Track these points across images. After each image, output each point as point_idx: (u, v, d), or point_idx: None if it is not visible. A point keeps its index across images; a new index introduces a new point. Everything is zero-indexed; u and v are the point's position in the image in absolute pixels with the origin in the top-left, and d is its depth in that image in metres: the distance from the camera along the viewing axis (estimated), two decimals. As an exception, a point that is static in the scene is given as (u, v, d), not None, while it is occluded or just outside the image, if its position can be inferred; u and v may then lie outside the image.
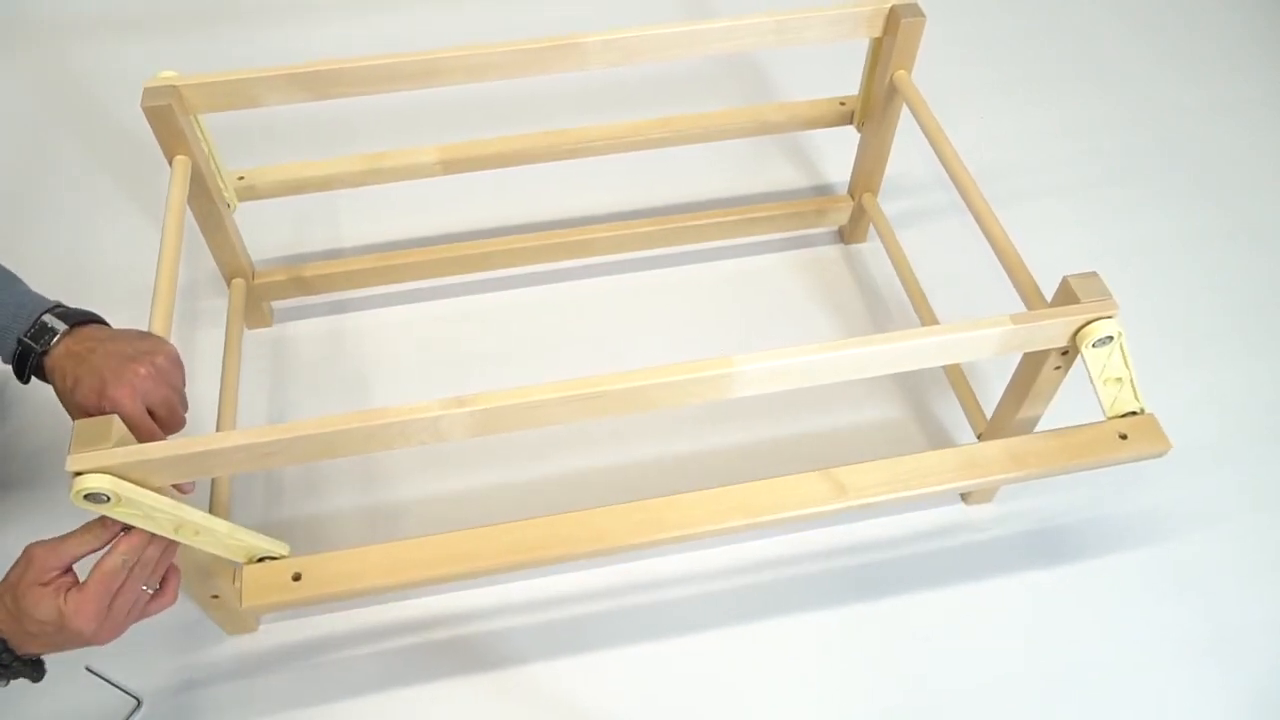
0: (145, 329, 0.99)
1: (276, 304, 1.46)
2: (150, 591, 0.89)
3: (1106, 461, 1.06)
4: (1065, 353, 0.99)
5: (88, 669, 1.12)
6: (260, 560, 0.99)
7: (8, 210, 1.60)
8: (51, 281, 1.11)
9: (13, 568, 0.84)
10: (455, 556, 1.00)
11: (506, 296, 1.47)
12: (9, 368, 0.98)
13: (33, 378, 0.98)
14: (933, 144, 1.20)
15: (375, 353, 1.41)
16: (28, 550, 0.84)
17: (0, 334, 0.97)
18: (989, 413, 1.20)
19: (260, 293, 1.38)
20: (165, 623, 1.15)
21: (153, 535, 0.86)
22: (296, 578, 0.99)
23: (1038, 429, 1.13)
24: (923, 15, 1.22)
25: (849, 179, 1.50)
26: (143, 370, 0.92)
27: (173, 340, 0.99)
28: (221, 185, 1.25)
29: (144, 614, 0.90)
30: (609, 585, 1.20)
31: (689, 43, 1.21)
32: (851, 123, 1.41)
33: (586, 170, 1.48)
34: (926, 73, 1.31)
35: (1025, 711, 1.11)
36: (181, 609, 1.15)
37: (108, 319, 1.03)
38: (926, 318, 1.33)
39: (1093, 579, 1.20)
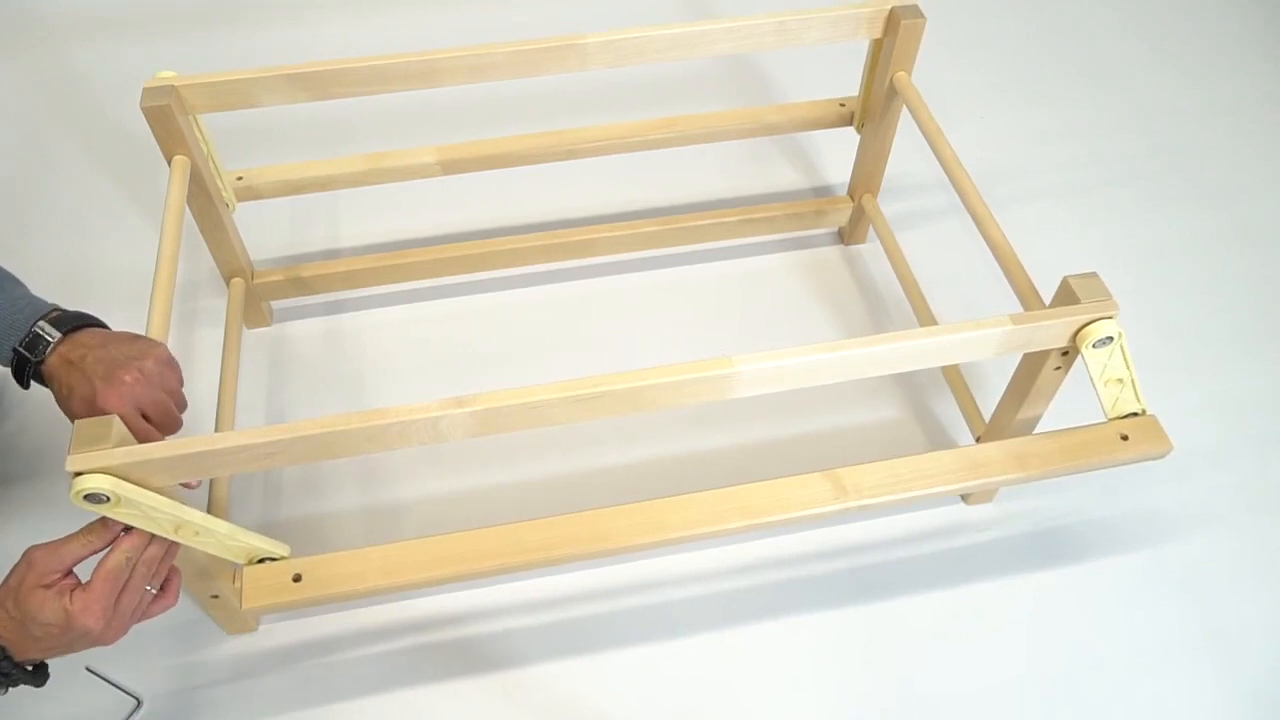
0: (144, 329, 0.99)
1: (276, 304, 1.46)
2: (153, 592, 0.89)
3: (1108, 462, 1.06)
4: (1065, 353, 0.99)
5: (88, 669, 1.12)
6: (260, 561, 0.99)
7: (8, 210, 1.60)
8: (51, 281, 1.11)
9: (12, 572, 0.84)
10: (455, 558, 1.00)
11: (506, 296, 1.47)
12: (7, 368, 0.99)
13: (33, 383, 0.99)
14: (932, 145, 1.20)
15: (374, 353, 1.41)
16: (28, 553, 0.83)
17: None
18: (988, 413, 1.20)
19: (259, 292, 1.38)
20: (165, 623, 1.14)
21: (153, 535, 0.86)
22: (297, 579, 0.99)
23: (1037, 430, 1.13)
24: (923, 17, 1.22)
25: (849, 180, 1.50)
26: (129, 377, 0.92)
27: (171, 340, 0.99)
28: (220, 185, 1.25)
29: (146, 615, 0.90)
30: (610, 585, 1.20)
31: (689, 43, 1.21)
32: (851, 124, 1.41)
33: (586, 170, 1.48)
34: (926, 74, 1.31)
35: (1025, 711, 1.11)
36: (181, 609, 1.15)
37: (107, 319, 1.03)
38: (926, 319, 1.33)
39: (1092, 579, 1.20)
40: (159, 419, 0.95)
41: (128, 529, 0.85)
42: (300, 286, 1.39)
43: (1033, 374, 1.04)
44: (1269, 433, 1.33)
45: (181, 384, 0.99)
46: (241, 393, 1.34)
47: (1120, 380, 1.02)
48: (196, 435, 0.86)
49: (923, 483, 1.05)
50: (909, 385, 1.37)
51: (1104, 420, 1.07)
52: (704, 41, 1.21)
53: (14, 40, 1.90)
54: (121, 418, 0.88)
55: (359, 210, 1.58)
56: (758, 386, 0.93)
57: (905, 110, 1.29)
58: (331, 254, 1.53)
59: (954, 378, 1.29)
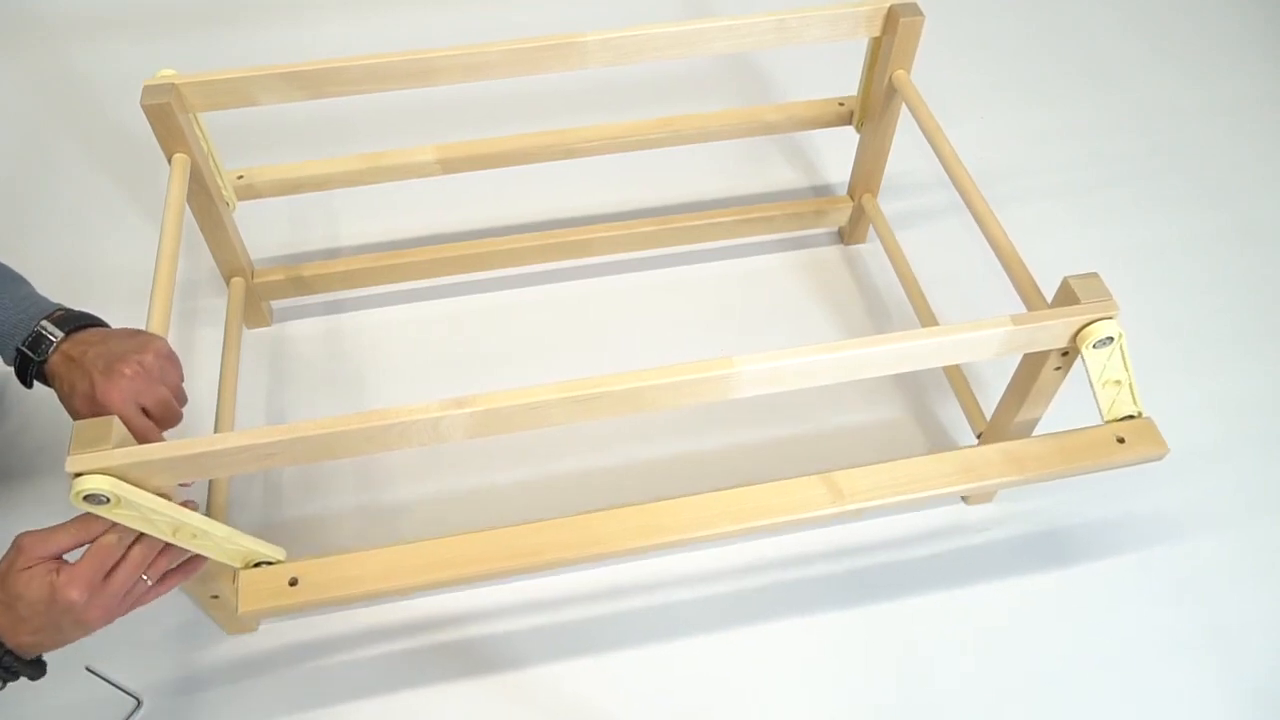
0: (144, 328, 0.99)
1: (275, 303, 1.46)
2: (149, 583, 0.89)
3: (1104, 465, 1.06)
4: (1066, 354, 0.99)
5: (88, 669, 1.12)
6: (257, 565, 0.99)
7: (8, 210, 1.60)
8: (51, 281, 1.11)
9: (2, 558, 0.84)
10: (451, 562, 1.00)
11: (506, 296, 1.47)
12: (7, 368, 0.99)
13: (35, 383, 0.99)
14: (932, 144, 1.20)
15: (374, 352, 1.41)
16: (17, 539, 0.83)
17: (0, 342, 0.98)
18: (989, 413, 1.20)
19: (259, 292, 1.38)
20: (165, 623, 1.15)
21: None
22: (293, 583, 0.98)
23: (1037, 430, 1.13)
24: (921, 15, 1.22)
25: (848, 179, 1.50)
26: (129, 371, 0.92)
27: (171, 339, 0.99)
28: (220, 184, 1.25)
29: (142, 600, 0.89)
30: (610, 586, 1.20)
31: (688, 42, 1.21)
32: (851, 123, 1.41)
33: (586, 170, 1.48)
34: (926, 73, 1.31)
35: (1026, 711, 1.11)
36: (182, 609, 1.16)
37: (107, 318, 1.03)
38: (926, 318, 1.33)
39: (1093, 579, 1.20)
40: (159, 413, 0.95)
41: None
42: (300, 286, 1.39)
43: (1033, 374, 1.04)
44: (1269, 433, 1.33)
45: (181, 378, 0.99)
46: (241, 392, 1.33)
47: (1118, 382, 1.02)
48: (196, 435, 0.86)
49: (918, 486, 1.05)
50: (910, 385, 1.37)
51: (1101, 423, 1.07)
52: (703, 40, 1.21)
53: (14, 40, 1.90)
54: (121, 412, 0.89)
55: (358, 209, 1.58)
56: (758, 387, 0.93)
57: (905, 109, 1.29)
58: (331, 253, 1.53)
59: (955, 377, 1.29)
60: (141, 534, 0.86)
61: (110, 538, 0.84)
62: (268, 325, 1.44)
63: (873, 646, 1.15)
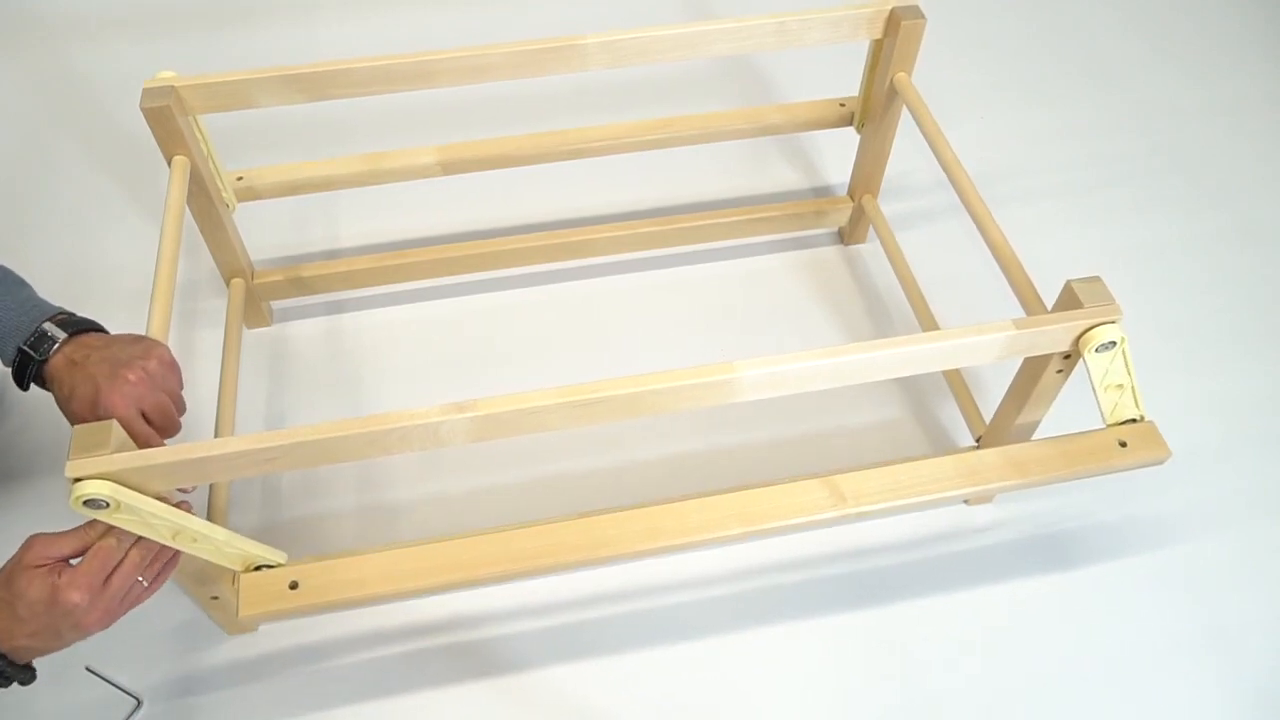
0: (144, 329, 0.99)
1: (275, 304, 1.46)
2: (145, 583, 0.89)
3: (1107, 469, 1.06)
4: (1067, 357, 0.99)
5: (88, 669, 1.12)
6: (257, 569, 0.99)
7: (8, 210, 1.60)
8: (51, 282, 1.11)
9: (10, 557, 0.84)
10: (452, 565, 1.00)
11: (506, 297, 1.47)
12: (9, 369, 0.99)
13: (32, 385, 0.99)
14: (932, 147, 1.20)
15: (374, 353, 1.41)
16: (29, 540, 0.84)
17: (0, 341, 0.98)
18: (988, 416, 1.20)
19: (259, 293, 1.38)
20: (165, 623, 1.15)
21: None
22: (293, 586, 0.98)
23: (1037, 434, 1.13)
24: (923, 17, 1.21)
25: (849, 180, 1.50)
26: (133, 376, 0.92)
27: (171, 340, 0.99)
28: (220, 185, 1.25)
29: (137, 601, 0.89)
30: (613, 588, 1.20)
31: (689, 44, 1.20)
32: (851, 124, 1.41)
33: (586, 170, 1.48)
34: (926, 73, 1.30)
35: (1028, 711, 1.11)
36: (182, 610, 1.16)
37: (107, 319, 1.03)
38: (926, 319, 1.33)
39: (1094, 579, 1.20)
40: (159, 420, 0.95)
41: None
42: (300, 286, 1.39)
43: (1034, 377, 1.04)
44: (1269, 433, 1.33)
45: (181, 386, 0.99)
46: (241, 393, 1.33)
47: (1120, 386, 1.02)
48: (196, 435, 0.86)
49: (921, 489, 1.05)
50: (911, 388, 1.37)
51: (1103, 427, 1.07)
52: (704, 42, 1.21)
53: (14, 40, 1.90)
54: (122, 417, 0.89)
55: (359, 210, 1.58)
56: (759, 392, 0.93)
57: (905, 110, 1.29)
58: (331, 254, 1.53)
59: (955, 381, 1.29)
60: (140, 536, 0.86)
61: (110, 541, 0.84)
62: (268, 326, 1.44)
63: (875, 648, 1.15)
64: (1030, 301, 1.04)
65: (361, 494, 1.27)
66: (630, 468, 1.29)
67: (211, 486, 1.14)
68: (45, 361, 0.96)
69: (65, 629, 0.84)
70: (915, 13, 1.22)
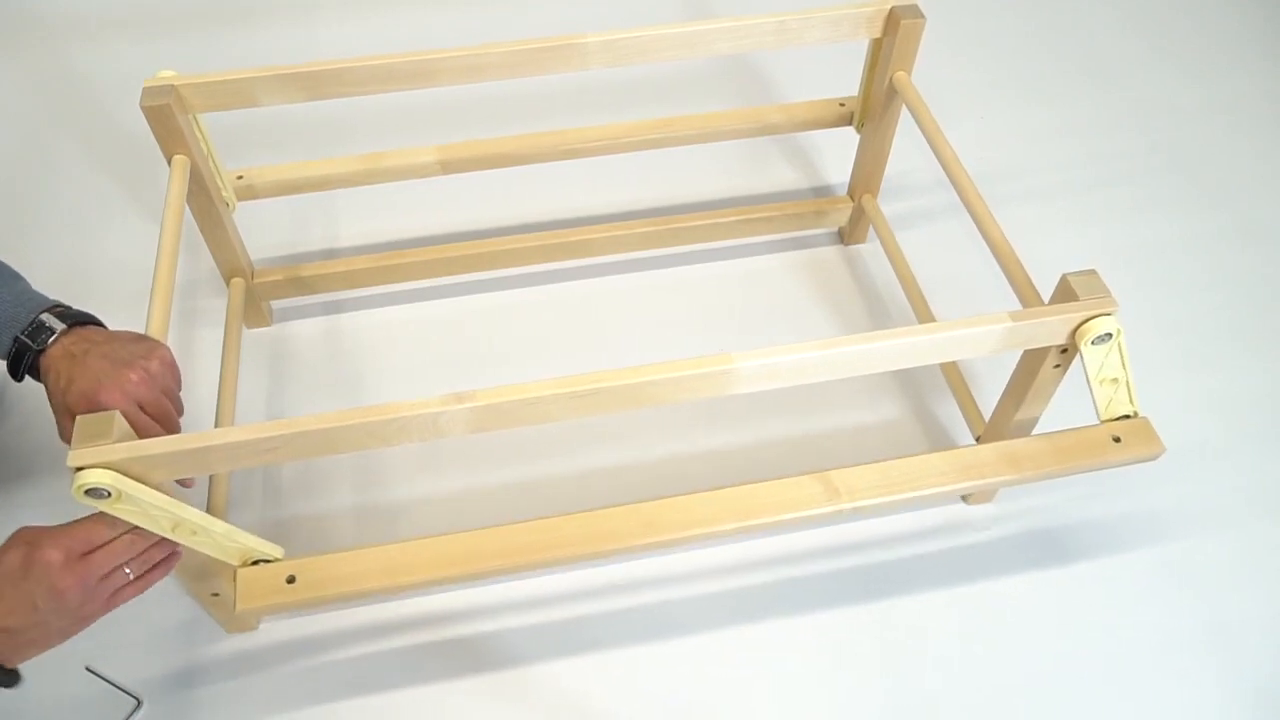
0: (144, 328, 0.99)
1: (275, 303, 1.46)
2: (131, 575, 0.87)
3: (1100, 465, 1.06)
4: (1064, 351, 0.99)
5: (87, 669, 1.12)
6: (255, 563, 0.99)
7: (8, 210, 1.60)
8: (51, 281, 1.11)
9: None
10: (449, 559, 1.00)
11: (505, 296, 1.48)
12: (5, 367, 0.99)
13: (26, 377, 0.98)
14: (932, 146, 1.20)
15: (374, 352, 1.41)
16: (18, 530, 0.84)
17: None
18: (988, 413, 1.20)
19: (259, 292, 1.38)
20: (165, 622, 1.15)
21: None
22: (291, 580, 0.98)
23: (1036, 431, 1.13)
24: (922, 16, 1.22)
25: (849, 180, 1.50)
26: (134, 375, 0.92)
27: (171, 339, 0.99)
28: (220, 185, 1.25)
29: (124, 594, 0.88)
30: (610, 583, 1.20)
31: (689, 43, 1.21)
32: (851, 124, 1.41)
33: (586, 170, 1.49)
34: (926, 73, 1.31)
35: (1027, 709, 1.11)
36: (182, 609, 1.16)
37: (107, 318, 1.03)
38: (925, 319, 1.33)
39: (1092, 577, 1.20)
40: (159, 420, 0.95)
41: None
42: (300, 286, 1.39)
43: (1032, 372, 1.04)
44: (1268, 431, 1.33)
45: (180, 388, 0.99)
46: (241, 392, 1.34)
47: (1115, 380, 1.02)
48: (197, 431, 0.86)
49: (915, 485, 1.05)
50: (910, 385, 1.37)
51: (1097, 423, 1.07)
52: (704, 41, 1.21)
53: (14, 40, 1.90)
54: (123, 413, 0.88)
55: (359, 210, 1.58)
56: (757, 383, 0.93)
57: (905, 109, 1.29)
58: (331, 254, 1.53)
59: (954, 377, 1.29)
60: (134, 526, 0.86)
61: (101, 523, 0.84)
62: (268, 325, 1.44)
63: (873, 643, 1.15)
64: (1030, 300, 1.05)
65: (361, 492, 1.27)
66: (629, 466, 1.29)
67: (211, 480, 1.14)
68: (42, 351, 0.96)
69: (41, 598, 0.81)
70: (914, 12, 1.22)
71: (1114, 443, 1.06)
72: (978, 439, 1.22)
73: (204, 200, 1.22)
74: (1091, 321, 0.94)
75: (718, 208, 1.51)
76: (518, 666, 1.14)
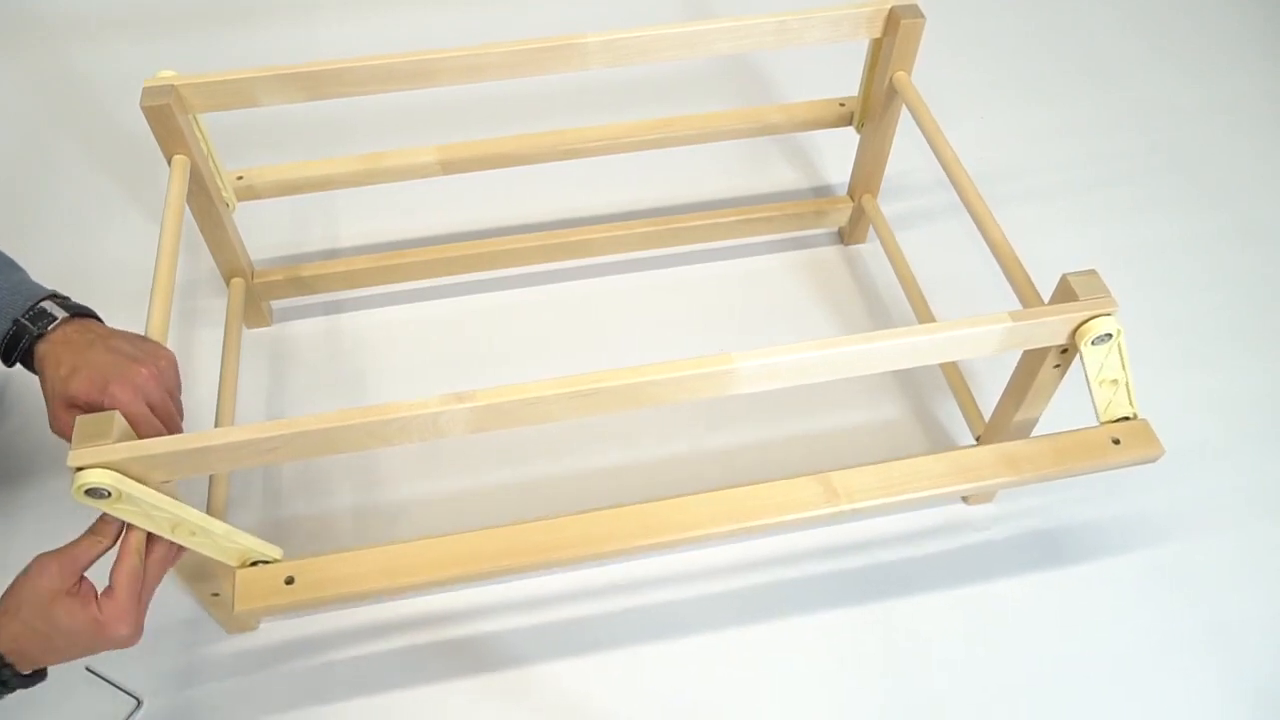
0: (144, 328, 0.99)
1: (275, 303, 1.46)
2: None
3: (1099, 466, 1.06)
4: (1064, 351, 0.99)
5: (88, 669, 1.12)
6: (254, 564, 0.99)
7: (8, 210, 1.60)
8: (51, 281, 1.10)
9: (22, 581, 0.82)
10: (448, 561, 0.99)
11: (506, 297, 1.48)
12: (7, 370, 0.98)
13: (18, 365, 0.97)
14: (932, 146, 1.20)
15: (374, 353, 1.41)
16: (39, 560, 0.83)
17: None
18: (988, 415, 1.20)
19: (259, 292, 1.38)
20: (165, 623, 1.15)
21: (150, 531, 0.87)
22: (289, 581, 0.98)
23: (1037, 432, 1.13)
24: (922, 16, 1.22)
25: (849, 180, 1.50)
26: (145, 371, 0.92)
27: (171, 340, 0.99)
28: (220, 185, 1.25)
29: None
30: (611, 583, 1.20)
31: (689, 43, 1.21)
32: (851, 124, 1.41)
33: (586, 170, 1.48)
34: (926, 72, 1.31)
35: (1026, 709, 1.11)
36: (182, 609, 1.16)
37: (107, 319, 1.02)
38: (926, 319, 1.33)
39: (1093, 577, 1.20)
40: (165, 421, 0.95)
41: (127, 529, 0.85)
42: (300, 286, 1.39)
43: (1031, 372, 1.04)
44: (1268, 431, 1.33)
45: (180, 391, 0.99)
46: (241, 392, 1.34)
47: (1115, 382, 1.02)
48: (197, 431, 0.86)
49: (913, 486, 1.05)
50: (910, 385, 1.37)
51: (1096, 424, 1.07)
52: (704, 41, 1.21)
53: (14, 40, 1.90)
54: (130, 410, 0.88)
55: (359, 210, 1.58)
56: (757, 383, 0.93)
57: (905, 109, 1.29)
58: (331, 254, 1.53)
59: (954, 378, 1.29)
60: (152, 543, 0.87)
61: (133, 560, 0.84)
62: (268, 325, 1.44)
63: (875, 644, 1.15)
64: (1029, 298, 1.05)
65: (361, 493, 1.27)
66: (629, 468, 1.29)
67: (211, 480, 1.14)
68: (41, 337, 0.95)
69: (103, 649, 0.85)
70: (914, 11, 1.22)
71: (1113, 444, 1.06)
72: (978, 439, 1.22)
73: (204, 200, 1.22)
74: (1091, 321, 0.94)
75: (718, 208, 1.51)
76: (519, 666, 1.14)
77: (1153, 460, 1.06)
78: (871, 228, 1.52)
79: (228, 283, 1.35)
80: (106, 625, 0.82)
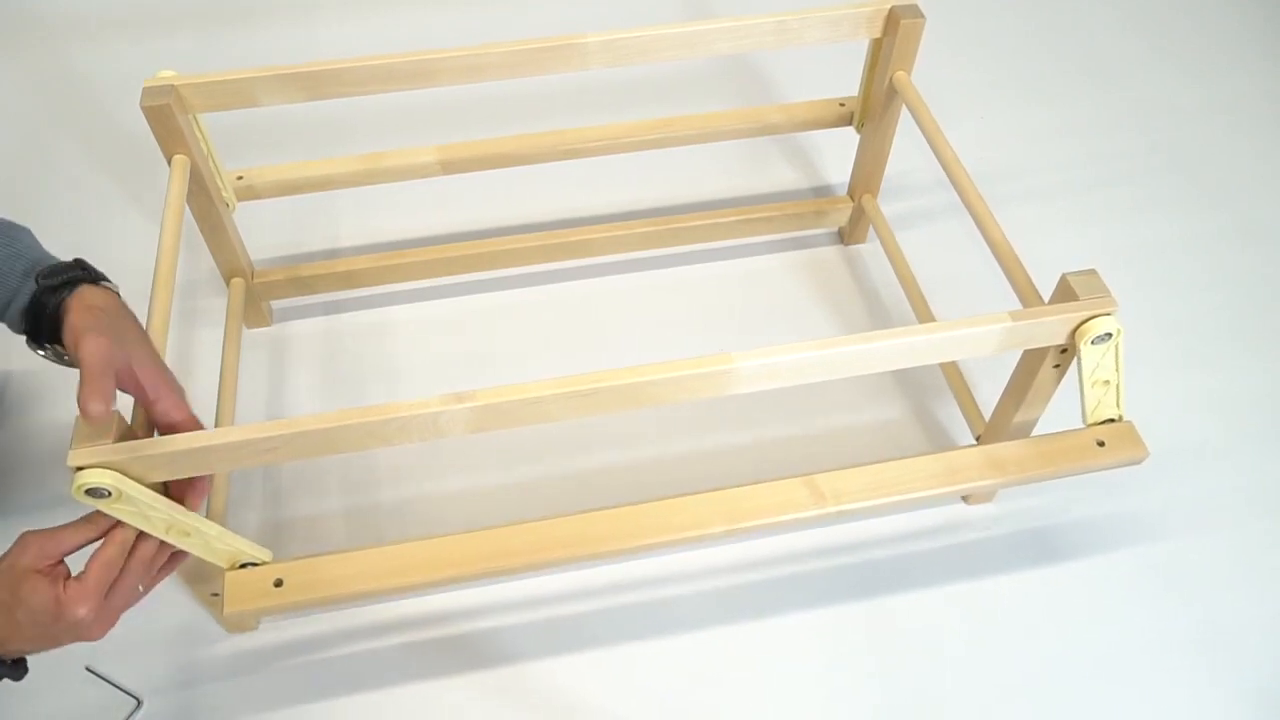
0: (144, 328, 0.99)
1: (275, 303, 1.46)
2: (141, 590, 0.88)
3: (1084, 468, 1.06)
4: (1064, 350, 0.99)
5: (88, 669, 1.11)
6: (243, 566, 0.99)
7: (8, 210, 1.58)
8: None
9: (5, 556, 0.83)
10: (439, 562, 0.99)
11: (505, 297, 1.47)
12: (8, 371, 0.98)
13: (30, 348, 0.96)
14: (932, 146, 1.20)
15: (374, 353, 1.41)
16: (22, 538, 0.83)
17: (35, 265, 0.94)
18: (988, 414, 1.20)
19: (259, 292, 1.38)
20: (165, 623, 1.15)
21: (141, 531, 0.86)
22: (278, 584, 0.98)
23: (1036, 432, 1.13)
24: (922, 16, 1.22)
25: (849, 180, 1.50)
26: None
27: (171, 339, 1.00)
28: (220, 185, 1.25)
29: (132, 604, 0.88)
30: (607, 582, 1.20)
31: (689, 43, 1.21)
32: (851, 124, 1.41)
33: (586, 170, 1.48)
34: (926, 72, 1.31)
35: (1024, 709, 1.11)
36: (181, 609, 1.16)
37: (107, 318, 1.02)
38: (925, 319, 1.33)
39: (1091, 577, 1.20)
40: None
41: (119, 523, 0.85)
42: (300, 286, 1.39)
43: (1031, 373, 1.04)
44: (1268, 431, 1.33)
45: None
46: (241, 392, 1.34)
47: (1107, 383, 1.02)
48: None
49: (900, 488, 1.05)
50: (910, 386, 1.37)
51: (1083, 426, 1.07)
52: (704, 41, 1.21)
53: (14, 40, 1.90)
54: (187, 423, 0.89)
55: (359, 210, 1.58)
56: (757, 383, 0.93)
57: (905, 109, 1.29)
58: (331, 254, 1.53)
59: (954, 377, 1.29)
60: (139, 542, 0.86)
61: (112, 550, 0.84)
62: (268, 325, 1.44)
63: (870, 643, 1.15)
64: (1029, 298, 1.04)
65: (360, 495, 1.27)
66: (629, 468, 1.29)
67: (211, 481, 1.14)
68: (93, 282, 0.92)
69: (65, 638, 0.84)
70: (914, 11, 1.22)
71: (1098, 446, 1.07)
72: (978, 439, 1.22)
73: (204, 200, 1.22)
74: (1091, 321, 0.94)
75: (718, 208, 1.51)
76: (515, 664, 1.14)
77: (1137, 462, 1.07)
78: (871, 228, 1.52)
79: (228, 283, 1.35)
80: (65, 605, 0.80)
